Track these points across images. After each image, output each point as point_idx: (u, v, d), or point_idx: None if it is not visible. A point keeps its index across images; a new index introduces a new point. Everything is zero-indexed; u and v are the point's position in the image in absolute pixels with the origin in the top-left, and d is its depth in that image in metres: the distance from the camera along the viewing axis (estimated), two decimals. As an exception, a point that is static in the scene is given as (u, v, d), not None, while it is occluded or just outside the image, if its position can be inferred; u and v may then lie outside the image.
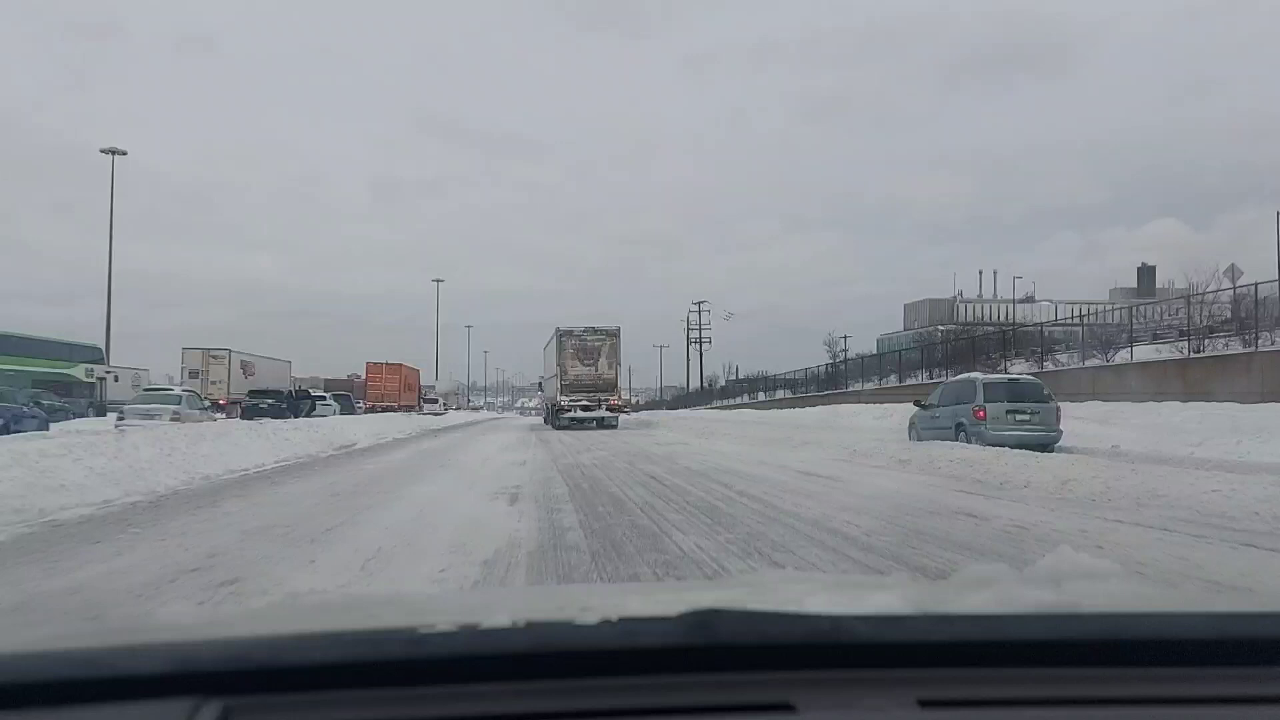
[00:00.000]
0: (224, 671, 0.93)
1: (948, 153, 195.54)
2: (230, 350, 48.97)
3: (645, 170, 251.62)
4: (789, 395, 57.68)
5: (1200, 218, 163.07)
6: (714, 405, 76.40)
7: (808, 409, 43.75)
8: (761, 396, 66.08)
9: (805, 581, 1.83)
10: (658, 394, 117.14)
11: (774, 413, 48.16)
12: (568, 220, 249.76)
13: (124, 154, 39.53)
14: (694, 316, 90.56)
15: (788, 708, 0.93)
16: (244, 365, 50.32)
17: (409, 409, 57.15)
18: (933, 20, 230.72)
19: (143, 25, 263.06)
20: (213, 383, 46.71)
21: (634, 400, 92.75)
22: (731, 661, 0.98)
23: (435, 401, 72.41)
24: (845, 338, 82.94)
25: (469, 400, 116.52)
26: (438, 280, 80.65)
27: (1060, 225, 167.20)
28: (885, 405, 33.60)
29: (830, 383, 52.01)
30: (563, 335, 36.51)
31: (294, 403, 40.77)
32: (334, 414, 41.85)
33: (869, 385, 45.57)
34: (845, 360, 57.75)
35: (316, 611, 1.55)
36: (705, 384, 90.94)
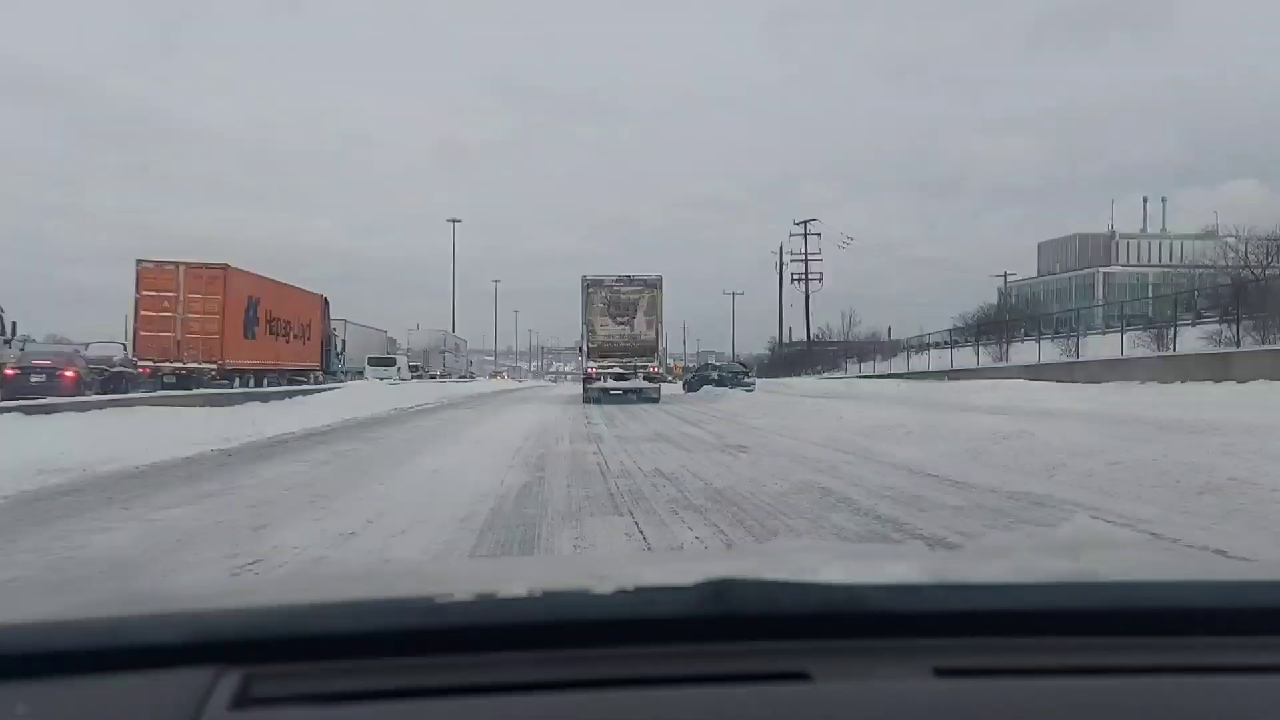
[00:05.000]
0: (244, 640, 0.95)
1: (1017, 114, 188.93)
2: None
3: (712, 132, 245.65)
4: (1123, 356, 27.24)
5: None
6: (860, 373, 46.79)
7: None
8: (1033, 358, 32.77)
9: (821, 551, 1.84)
10: (730, 357, 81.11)
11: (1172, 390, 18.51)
12: (630, 184, 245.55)
13: None
14: (797, 244, 59.02)
15: (803, 676, 0.93)
16: None
17: (296, 377, 30.04)
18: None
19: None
20: None
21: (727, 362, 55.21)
22: (747, 631, 0.99)
23: (390, 364, 42.07)
24: (1005, 274, 64.48)
25: (485, 365, 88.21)
26: (454, 220, 66.09)
27: (1132, 187, 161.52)
28: None
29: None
30: (590, 286, 28.37)
31: None
32: None
33: None
34: None
35: (336, 581, 1.58)
36: (815, 338, 59.45)
